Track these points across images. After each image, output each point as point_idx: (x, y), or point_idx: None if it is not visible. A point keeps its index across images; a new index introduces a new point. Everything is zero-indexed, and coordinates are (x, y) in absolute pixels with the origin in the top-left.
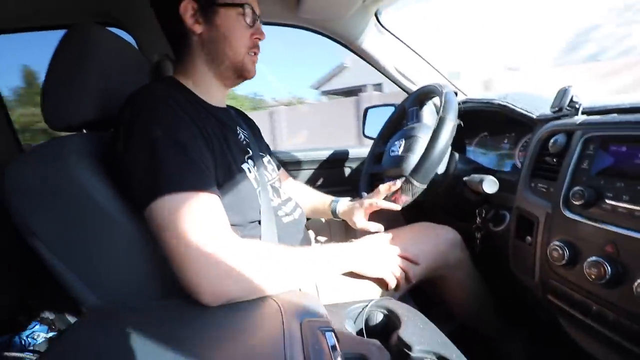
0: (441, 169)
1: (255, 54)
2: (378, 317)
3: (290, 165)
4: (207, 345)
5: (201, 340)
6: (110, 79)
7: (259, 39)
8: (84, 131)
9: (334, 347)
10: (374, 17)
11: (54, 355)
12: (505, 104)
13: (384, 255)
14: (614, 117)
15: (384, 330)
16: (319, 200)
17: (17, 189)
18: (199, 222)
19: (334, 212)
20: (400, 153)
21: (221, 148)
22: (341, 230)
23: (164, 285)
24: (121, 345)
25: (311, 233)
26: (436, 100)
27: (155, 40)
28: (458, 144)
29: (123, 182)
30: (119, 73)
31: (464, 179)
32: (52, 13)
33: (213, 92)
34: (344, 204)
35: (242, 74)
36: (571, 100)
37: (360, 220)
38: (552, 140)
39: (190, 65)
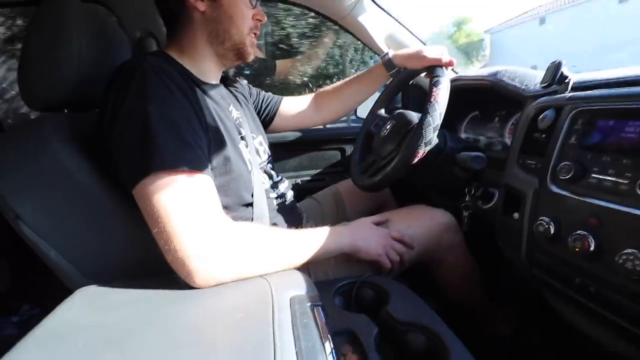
0: (433, 146)
1: (256, 35)
2: (367, 294)
3: (281, 146)
4: (195, 321)
5: (189, 316)
6: (89, 56)
7: (260, 21)
8: (65, 111)
9: (322, 322)
10: None
11: (41, 332)
12: (497, 80)
13: (377, 238)
14: (602, 91)
15: (373, 306)
16: (358, 77)
17: None
18: (190, 202)
19: (389, 63)
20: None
21: (215, 127)
22: (333, 213)
23: (151, 263)
24: (108, 323)
25: (303, 216)
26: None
27: (137, 16)
28: (449, 122)
29: (109, 160)
30: (99, 50)
31: (455, 156)
32: None
33: (209, 69)
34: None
35: (242, 54)
36: (561, 75)
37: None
38: (541, 116)
39: (188, 42)
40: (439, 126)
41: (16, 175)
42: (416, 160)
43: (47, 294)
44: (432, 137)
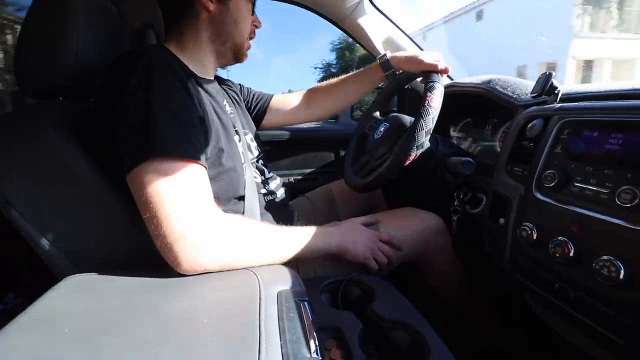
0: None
1: (251, 39)
2: (354, 292)
3: (276, 145)
4: (182, 311)
5: (177, 306)
6: (89, 44)
7: (257, 27)
8: (60, 99)
9: (308, 317)
10: None
11: (27, 318)
12: (489, 88)
13: (366, 241)
14: (588, 103)
15: (359, 303)
16: (354, 75)
17: None
18: (183, 189)
19: (385, 64)
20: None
21: (212, 119)
22: (325, 212)
23: (140, 254)
24: (95, 311)
25: (294, 214)
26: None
27: (137, 8)
28: (442, 127)
29: (105, 147)
30: (98, 39)
31: (446, 160)
32: None
33: (206, 65)
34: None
35: (238, 55)
36: (551, 86)
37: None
38: (529, 125)
39: (191, 38)
40: (431, 130)
41: (8, 161)
42: (408, 162)
43: (33, 283)
44: (424, 140)
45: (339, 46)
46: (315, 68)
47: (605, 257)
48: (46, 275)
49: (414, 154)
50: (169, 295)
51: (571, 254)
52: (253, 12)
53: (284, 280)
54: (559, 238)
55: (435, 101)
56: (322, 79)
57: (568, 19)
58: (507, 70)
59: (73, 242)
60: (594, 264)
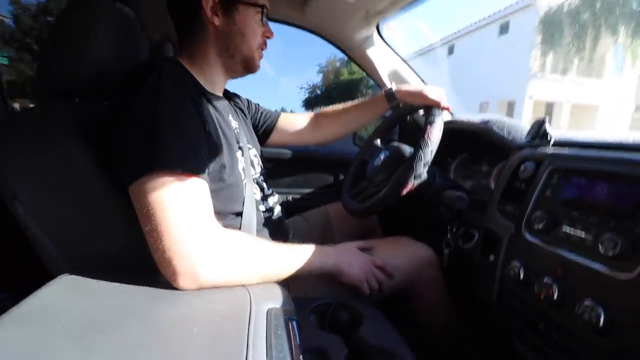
0: (422, 181)
1: (263, 49)
2: (342, 315)
3: (277, 162)
4: (171, 320)
5: (166, 315)
6: (111, 51)
7: (268, 37)
8: (76, 100)
9: (295, 337)
10: (375, 29)
11: (19, 313)
12: (487, 128)
13: (361, 264)
14: (578, 151)
15: (346, 328)
16: (360, 104)
17: (3, 148)
18: (185, 204)
19: (390, 96)
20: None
21: (216, 134)
22: (320, 233)
23: (137, 261)
24: (88, 311)
25: (290, 232)
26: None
27: (158, 21)
28: (441, 161)
29: (112, 153)
30: (120, 47)
31: (441, 194)
32: None
33: (215, 80)
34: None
35: (249, 67)
36: (544, 132)
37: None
38: (522, 167)
39: (200, 53)
40: (429, 162)
41: (21, 156)
42: (405, 191)
43: (27, 280)
44: (422, 171)
45: (325, 68)
46: (301, 88)
47: (587, 303)
48: (41, 272)
49: (412, 184)
50: (161, 302)
51: (555, 297)
52: (265, 22)
53: (275, 298)
54: (545, 279)
55: (435, 135)
56: (307, 100)
57: (527, 59)
58: (471, 106)
59: (72, 240)
60: (576, 308)
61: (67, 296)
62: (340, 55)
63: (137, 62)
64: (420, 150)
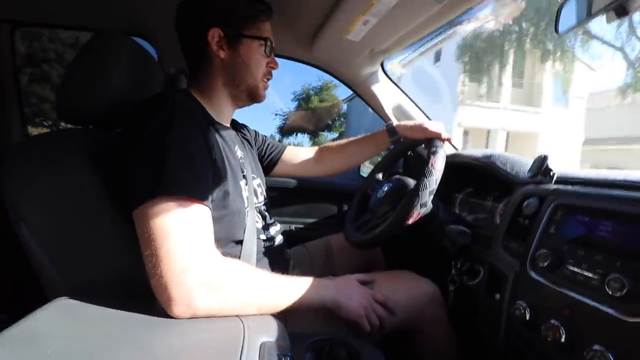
0: (427, 213)
1: (268, 79)
2: (340, 354)
3: (281, 191)
4: (163, 349)
5: (159, 344)
6: (127, 82)
7: (273, 68)
8: (90, 127)
9: None
10: (380, 66)
11: (11, 335)
12: (490, 162)
13: (361, 298)
14: (581, 189)
15: None
16: (362, 138)
17: (14, 171)
18: (187, 230)
19: (392, 131)
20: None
21: (222, 162)
22: (322, 264)
23: (135, 288)
24: (80, 337)
25: (290, 262)
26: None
27: (175, 54)
28: (445, 195)
29: (120, 180)
30: (135, 79)
31: (444, 228)
32: (84, 15)
33: (223, 110)
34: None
35: (254, 97)
36: (546, 168)
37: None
38: (525, 203)
39: (207, 84)
40: (434, 191)
41: (31, 180)
42: (411, 220)
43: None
44: (427, 200)
45: (300, 96)
46: (276, 114)
47: (596, 347)
48: (37, 295)
49: (417, 212)
50: (154, 330)
51: (562, 339)
52: (269, 53)
53: (270, 332)
54: (551, 321)
55: (439, 164)
56: (280, 126)
57: (455, 86)
58: None
59: (73, 265)
60: (585, 353)
61: (60, 321)
62: (314, 84)
63: (151, 93)
64: (425, 179)
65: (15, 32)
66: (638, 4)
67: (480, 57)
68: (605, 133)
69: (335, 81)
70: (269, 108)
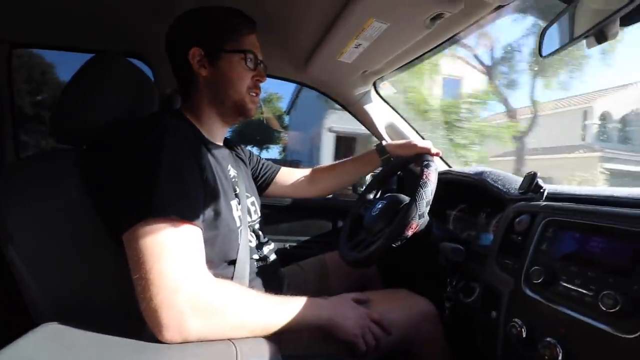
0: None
1: (257, 94)
2: None
3: (275, 209)
4: None
5: None
6: (122, 104)
7: (260, 81)
8: (84, 147)
9: None
10: (372, 86)
11: None
12: (481, 179)
13: (356, 318)
14: (571, 205)
15: None
16: (353, 158)
17: (5, 191)
18: (177, 253)
19: (382, 150)
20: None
21: (213, 182)
22: (316, 283)
23: (123, 312)
24: None
25: (285, 282)
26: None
27: (170, 75)
28: (439, 212)
29: (111, 201)
30: (130, 100)
31: (438, 245)
32: (82, 37)
33: (214, 129)
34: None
35: (242, 112)
36: (536, 185)
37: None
38: (517, 220)
39: (196, 104)
40: (430, 202)
41: (22, 202)
42: (410, 232)
43: (8, 326)
44: (424, 210)
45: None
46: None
47: None
48: (23, 320)
49: (416, 223)
50: (143, 357)
51: (560, 358)
52: (253, 66)
53: (263, 355)
54: (548, 339)
55: (432, 176)
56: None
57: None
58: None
59: (61, 289)
60: None
61: (47, 346)
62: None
63: (146, 114)
64: (421, 190)
65: (12, 53)
66: (615, 31)
67: None
68: None
69: (280, 92)
70: None
